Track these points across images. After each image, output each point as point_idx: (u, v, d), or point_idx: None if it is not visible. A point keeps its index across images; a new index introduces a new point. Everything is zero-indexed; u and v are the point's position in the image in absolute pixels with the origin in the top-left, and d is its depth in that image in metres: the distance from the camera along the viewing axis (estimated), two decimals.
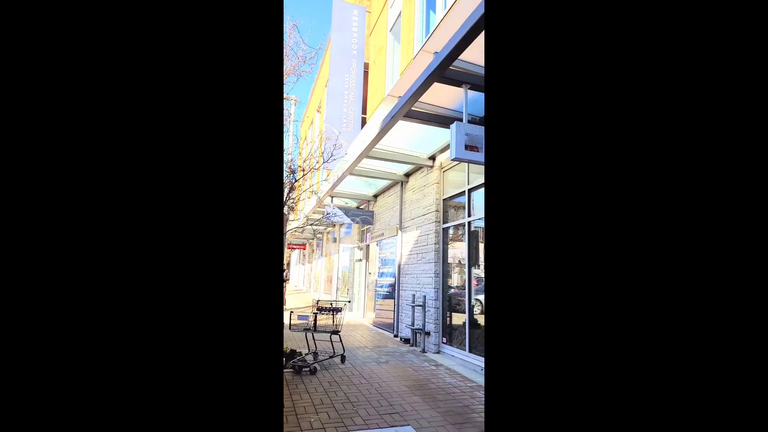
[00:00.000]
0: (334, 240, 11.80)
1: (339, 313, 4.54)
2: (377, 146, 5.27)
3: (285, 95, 5.03)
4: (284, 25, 4.79)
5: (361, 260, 9.02)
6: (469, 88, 3.66)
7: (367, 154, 5.32)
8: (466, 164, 4.86)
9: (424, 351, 5.18)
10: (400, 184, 6.68)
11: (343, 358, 4.49)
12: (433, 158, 5.66)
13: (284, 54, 4.83)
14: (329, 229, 12.69)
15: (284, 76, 4.83)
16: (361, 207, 8.74)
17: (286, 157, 5.03)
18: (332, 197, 8.20)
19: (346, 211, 7.81)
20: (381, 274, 7.37)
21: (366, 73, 8.98)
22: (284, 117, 4.91)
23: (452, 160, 3.48)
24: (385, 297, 7.04)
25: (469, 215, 4.81)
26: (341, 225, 10.57)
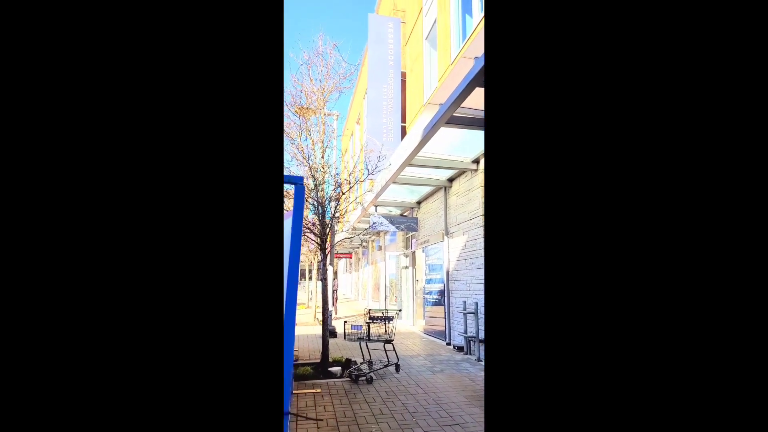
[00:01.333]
0: (380, 248, 11.91)
1: (391, 321, 4.57)
2: (419, 154, 5.29)
3: (328, 112, 5.20)
4: (322, 43, 4.98)
5: (407, 267, 9.02)
6: None
7: (409, 162, 5.36)
8: None
9: (479, 359, 5.06)
10: (443, 190, 6.63)
11: (397, 367, 4.51)
12: (476, 162, 5.57)
13: (326, 73, 5.03)
14: (374, 237, 12.84)
15: (327, 94, 5.01)
16: (405, 214, 8.77)
17: (331, 171, 5.21)
18: (376, 206, 8.32)
19: (390, 219, 7.88)
20: (429, 281, 7.32)
21: (403, 83, 9.07)
22: (328, 132, 5.09)
23: None
24: (435, 304, 6.98)
25: None
26: (386, 233, 10.66)
